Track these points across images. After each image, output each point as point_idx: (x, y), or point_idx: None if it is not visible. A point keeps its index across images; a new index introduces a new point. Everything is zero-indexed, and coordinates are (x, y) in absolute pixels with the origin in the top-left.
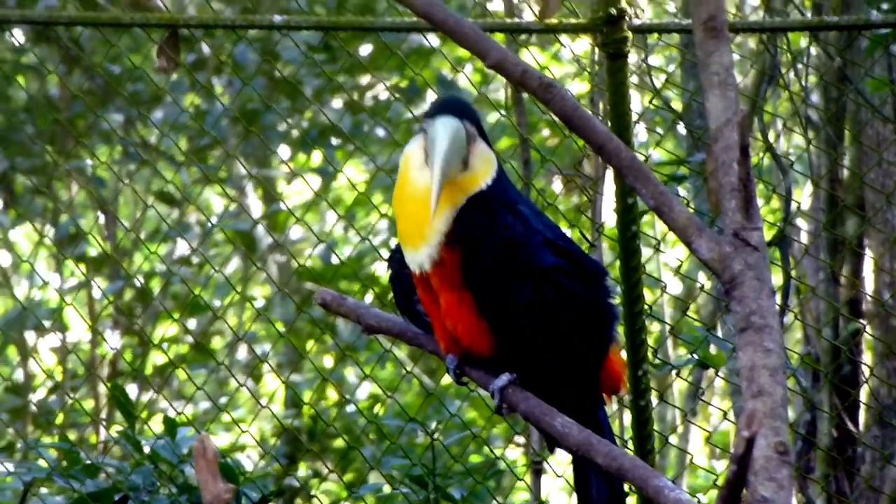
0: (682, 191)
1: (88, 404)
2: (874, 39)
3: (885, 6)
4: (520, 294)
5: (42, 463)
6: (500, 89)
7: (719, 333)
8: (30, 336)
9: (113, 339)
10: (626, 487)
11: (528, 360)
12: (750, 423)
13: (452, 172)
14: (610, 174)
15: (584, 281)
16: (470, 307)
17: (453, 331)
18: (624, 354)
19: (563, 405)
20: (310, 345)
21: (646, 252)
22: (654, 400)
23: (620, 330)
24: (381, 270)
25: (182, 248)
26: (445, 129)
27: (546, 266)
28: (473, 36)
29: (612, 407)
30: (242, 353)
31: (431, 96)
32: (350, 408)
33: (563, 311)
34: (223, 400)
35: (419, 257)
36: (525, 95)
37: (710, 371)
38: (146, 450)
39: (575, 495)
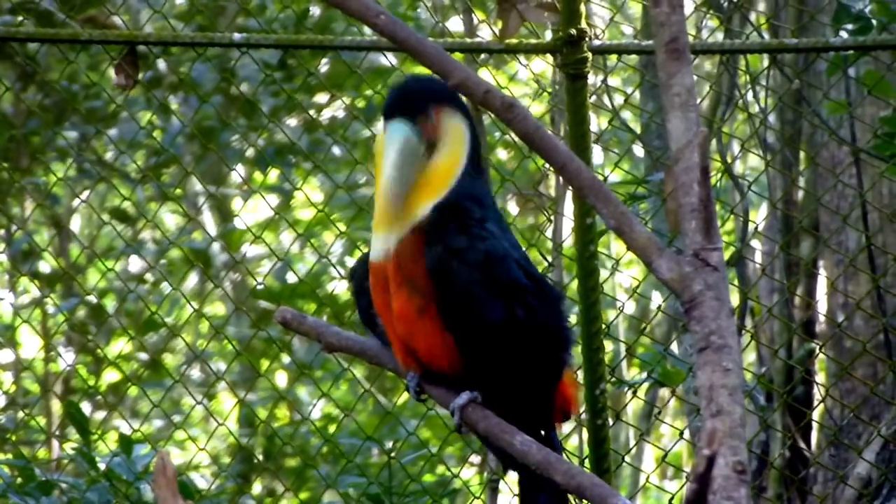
0: (640, 211)
1: (42, 421)
2: (833, 62)
3: (849, 27)
4: (492, 310)
5: None
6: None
7: (676, 352)
8: None
9: (67, 357)
10: None
11: (490, 378)
12: (711, 442)
13: (413, 177)
14: (570, 194)
15: (546, 302)
16: (433, 320)
17: (409, 341)
18: (579, 375)
19: (521, 425)
20: (265, 363)
21: (603, 272)
22: (611, 420)
23: (577, 351)
24: (339, 289)
25: (137, 265)
26: (394, 142)
27: (521, 284)
28: (436, 55)
29: (562, 429)
30: (197, 371)
31: None
32: (305, 426)
33: (529, 331)
34: (178, 418)
35: (388, 241)
36: (485, 116)
37: (666, 391)
38: (101, 467)
39: None
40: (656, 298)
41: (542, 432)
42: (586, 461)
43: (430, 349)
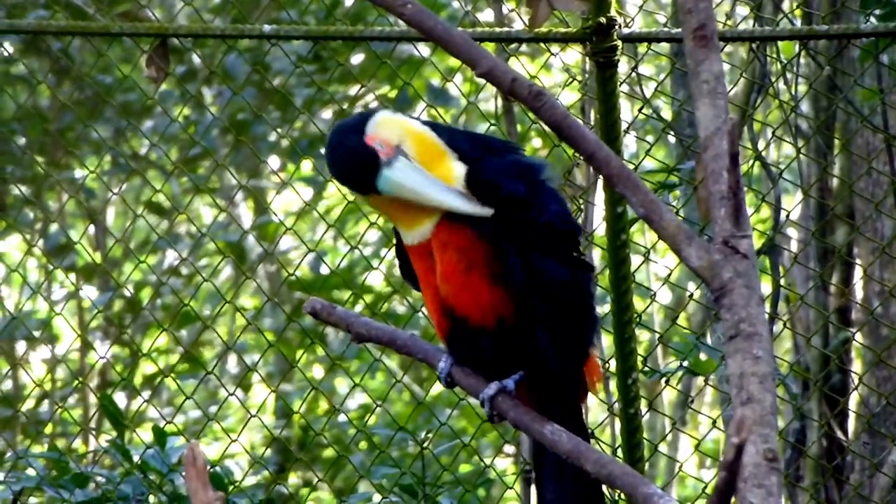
0: (671, 199)
1: (78, 414)
2: (865, 49)
3: (878, 12)
4: (547, 268)
5: (31, 472)
6: (489, 99)
7: (709, 342)
8: (20, 346)
9: (102, 350)
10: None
11: (531, 333)
12: (739, 430)
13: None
14: (600, 183)
15: (587, 270)
16: (481, 275)
17: (452, 300)
18: (612, 364)
19: (551, 399)
20: (300, 355)
21: (635, 260)
22: (644, 408)
23: (609, 340)
24: (372, 280)
25: (172, 258)
26: (397, 188)
27: (574, 245)
28: (463, 45)
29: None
30: (232, 363)
31: (421, 106)
32: (340, 417)
33: (578, 294)
34: (213, 409)
35: (423, 229)
36: (515, 105)
37: (700, 379)
38: (136, 459)
39: None
40: (691, 288)
41: (576, 406)
42: (619, 451)
43: (475, 303)
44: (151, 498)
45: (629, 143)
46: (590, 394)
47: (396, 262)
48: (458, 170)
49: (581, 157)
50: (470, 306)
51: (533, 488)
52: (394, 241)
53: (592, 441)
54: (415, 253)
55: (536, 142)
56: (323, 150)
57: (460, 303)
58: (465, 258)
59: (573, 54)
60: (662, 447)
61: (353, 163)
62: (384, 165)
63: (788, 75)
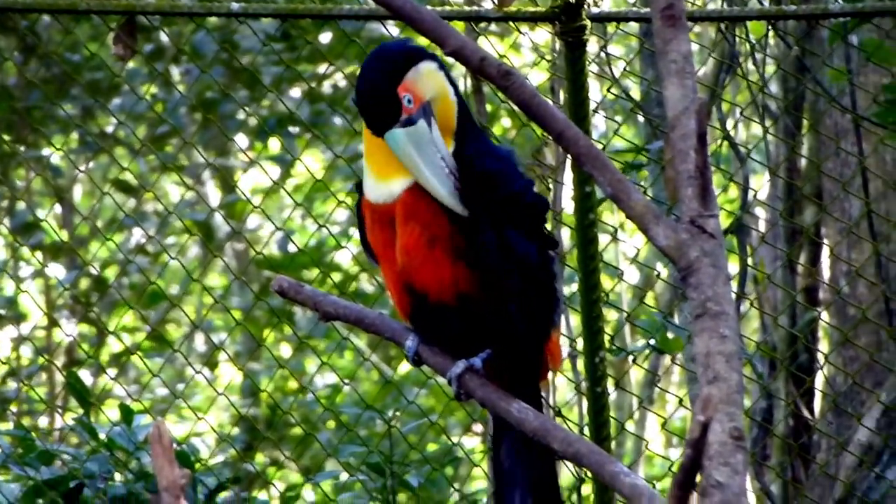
0: (639, 179)
1: (44, 392)
2: (834, 30)
3: None
4: (519, 244)
5: None
6: (459, 78)
7: (676, 321)
8: None
9: (69, 328)
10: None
11: (492, 312)
12: (706, 408)
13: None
14: (569, 162)
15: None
16: (444, 251)
17: (412, 275)
18: (580, 343)
19: (518, 378)
20: (267, 333)
21: (603, 240)
22: (611, 387)
23: (577, 319)
24: (340, 258)
25: (139, 236)
26: (403, 151)
27: (540, 222)
28: (432, 23)
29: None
30: (200, 341)
31: None
32: (308, 396)
33: (546, 270)
34: (180, 388)
35: (392, 187)
36: (484, 84)
37: (667, 359)
38: (102, 437)
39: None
40: (659, 268)
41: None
42: (586, 429)
43: (436, 279)
44: (118, 476)
45: (598, 122)
46: (551, 374)
47: (360, 240)
48: (451, 147)
49: (550, 137)
50: (430, 282)
51: None
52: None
53: (559, 419)
54: (376, 219)
55: (506, 121)
56: (291, 129)
57: (420, 278)
58: (428, 231)
59: (542, 34)
60: (629, 426)
61: (376, 104)
62: (401, 123)
63: (757, 55)
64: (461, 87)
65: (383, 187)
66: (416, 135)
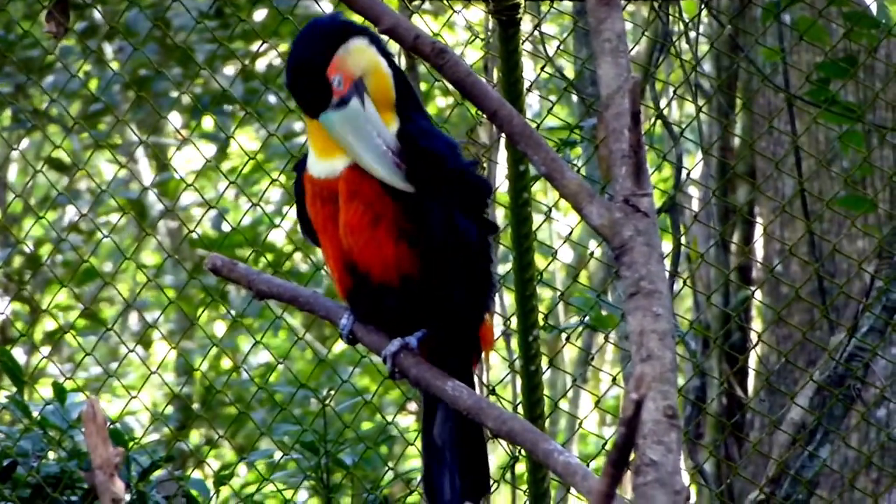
0: (573, 157)
1: None
2: (767, 8)
3: None
4: (462, 224)
5: None
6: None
7: (610, 300)
8: None
9: (2, 305)
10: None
11: (433, 293)
12: (639, 387)
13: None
14: (503, 141)
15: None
16: (387, 230)
17: (354, 254)
18: (513, 322)
19: (448, 358)
20: (201, 312)
21: (537, 219)
22: (545, 365)
23: (511, 298)
24: (274, 237)
25: (72, 214)
26: (339, 131)
27: (482, 205)
28: (366, 1)
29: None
30: (133, 320)
31: None
32: (242, 375)
33: (482, 253)
34: (114, 366)
35: (335, 164)
36: (419, 62)
37: (601, 337)
38: (35, 415)
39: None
40: (592, 246)
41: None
42: (520, 407)
43: (380, 259)
44: (51, 454)
45: (532, 101)
46: (483, 355)
47: (299, 220)
48: (394, 122)
49: (484, 116)
50: (374, 262)
51: None
52: (296, 199)
53: (493, 398)
54: (318, 194)
55: (440, 100)
56: (226, 107)
57: (363, 258)
58: (371, 211)
59: (476, 12)
60: (563, 404)
61: (306, 89)
62: (333, 106)
63: (690, 34)
64: (394, 59)
65: (326, 164)
66: (350, 116)
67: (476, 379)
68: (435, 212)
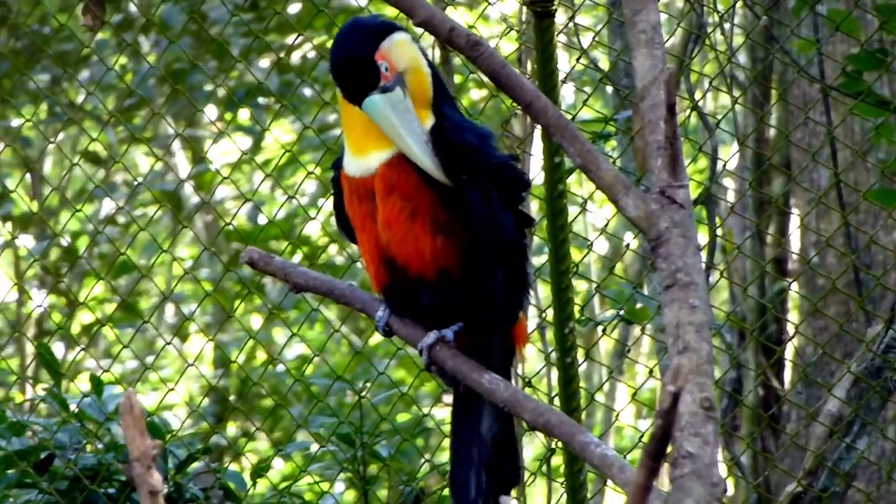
0: (608, 149)
1: (14, 363)
2: (802, 0)
3: None
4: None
5: None
6: (427, 48)
7: (645, 292)
8: None
9: (39, 298)
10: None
11: (471, 287)
12: (675, 379)
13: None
14: (538, 133)
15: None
16: (424, 224)
17: (392, 249)
18: (549, 314)
19: (483, 354)
20: (237, 304)
21: (573, 211)
22: (581, 358)
23: (547, 288)
24: (310, 230)
25: (108, 207)
26: (382, 116)
27: (519, 199)
28: None
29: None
30: (170, 312)
31: None
32: (278, 367)
33: (518, 248)
34: (150, 359)
35: (369, 161)
36: (454, 55)
37: (637, 329)
38: (73, 408)
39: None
40: (628, 238)
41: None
42: (556, 400)
43: (418, 253)
44: (88, 446)
45: (566, 93)
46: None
47: (335, 216)
48: (430, 119)
49: (519, 107)
50: (412, 256)
51: None
52: (331, 192)
53: (529, 390)
54: (354, 192)
55: (475, 92)
56: (260, 100)
57: (401, 253)
58: (409, 205)
59: (511, 4)
60: (599, 396)
61: (354, 72)
62: (379, 89)
63: (725, 25)
64: (430, 58)
65: (361, 162)
66: (394, 101)
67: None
68: (475, 204)
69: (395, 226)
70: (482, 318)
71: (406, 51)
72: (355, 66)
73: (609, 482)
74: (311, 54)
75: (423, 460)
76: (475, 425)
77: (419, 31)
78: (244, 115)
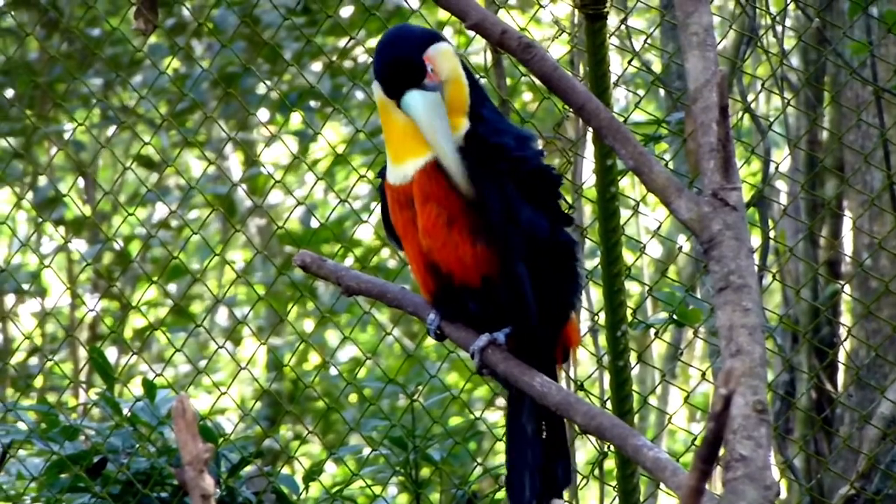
0: (660, 152)
1: (68, 367)
2: (855, 1)
3: None
4: (525, 216)
5: (21, 425)
6: (479, 52)
7: (698, 295)
8: (9, 300)
9: (92, 303)
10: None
11: (514, 290)
12: (727, 381)
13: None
14: (590, 136)
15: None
16: (461, 231)
17: (434, 255)
18: (601, 318)
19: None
20: (290, 308)
21: (625, 213)
22: (633, 361)
23: (599, 293)
24: (362, 233)
25: (161, 211)
26: (421, 114)
27: (554, 197)
28: None
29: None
30: (222, 316)
31: None
32: (331, 371)
33: (557, 248)
34: (203, 363)
35: (406, 169)
36: (505, 58)
37: (689, 332)
38: (125, 412)
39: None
40: (681, 241)
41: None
42: (608, 403)
43: (458, 259)
44: (141, 451)
45: (619, 96)
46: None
47: (383, 224)
48: (465, 124)
49: (571, 110)
50: (453, 263)
51: None
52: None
53: (582, 394)
54: (396, 200)
55: (527, 95)
56: (312, 103)
57: (444, 258)
58: (445, 212)
59: (563, 7)
60: (652, 400)
61: (402, 67)
62: (422, 87)
63: (778, 28)
64: (482, 61)
65: (399, 170)
66: (433, 101)
67: (563, 374)
68: (493, 204)
69: (433, 233)
70: (528, 321)
71: (449, 61)
72: (402, 63)
73: (662, 486)
74: (363, 58)
75: (475, 464)
76: (529, 427)
77: (471, 34)
78: (296, 118)
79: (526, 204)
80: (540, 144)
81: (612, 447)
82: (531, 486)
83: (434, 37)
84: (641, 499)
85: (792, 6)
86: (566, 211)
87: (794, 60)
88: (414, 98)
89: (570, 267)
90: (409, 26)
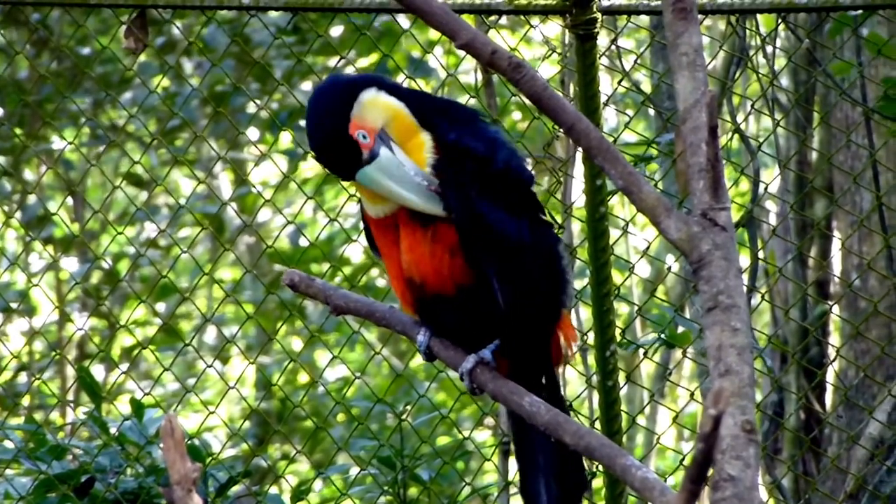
0: (650, 172)
1: (55, 386)
2: (840, 21)
3: None
4: (510, 227)
5: (8, 444)
6: (469, 71)
7: (687, 315)
8: None
9: (80, 321)
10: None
11: (491, 299)
12: (717, 401)
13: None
14: (580, 155)
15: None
16: (441, 243)
17: (414, 271)
18: (590, 337)
19: (528, 364)
20: (279, 327)
21: (614, 233)
22: (622, 381)
23: (588, 311)
24: (351, 252)
25: (150, 229)
26: (378, 183)
27: (535, 204)
28: (443, 16)
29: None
30: (211, 335)
31: (401, 78)
32: (319, 390)
33: (537, 247)
34: (191, 382)
35: (385, 207)
36: (496, 77)
37: (678, 352)
38: (113, 431)
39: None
40: (670, 261)
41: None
42: (597, 423)
43: (434, 270)
44: (129, 470)
45: (609, 115)
46: (567, 365)
47: (367, 241)
48: (426, 140)
49: (561, 130)
50: (428, 273)
51: (512, 460)
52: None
53: (571, 413)
54: (378, 225)
55: (516, 114)
56: (302, 122)
57: (419, 270)
58: (429, 230)
59: (553, 27)
60: (641, 419)
61: (335, 154)
62: (365, 161)
63: (767, 48)
64: (472, 80)
65: (377, 208)
66: (384, 165)
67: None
68: (456, 206)
69: (415, 249)
70: (513, 328)
71: (377, 107)
72: (334, 149)
73: None
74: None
75: (463, 483)
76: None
77: (461, 53)
78: (286, 137)
79: (494, 205)
80: (529, 164)
81: (600, 467)
82: (547, 492)
83: (352, 90)
84: None
85: (782, 27)
86: (556, 231)
87: (784, 81)
88: (365, 176)
89: (551, 266)
90: (323, 94)
